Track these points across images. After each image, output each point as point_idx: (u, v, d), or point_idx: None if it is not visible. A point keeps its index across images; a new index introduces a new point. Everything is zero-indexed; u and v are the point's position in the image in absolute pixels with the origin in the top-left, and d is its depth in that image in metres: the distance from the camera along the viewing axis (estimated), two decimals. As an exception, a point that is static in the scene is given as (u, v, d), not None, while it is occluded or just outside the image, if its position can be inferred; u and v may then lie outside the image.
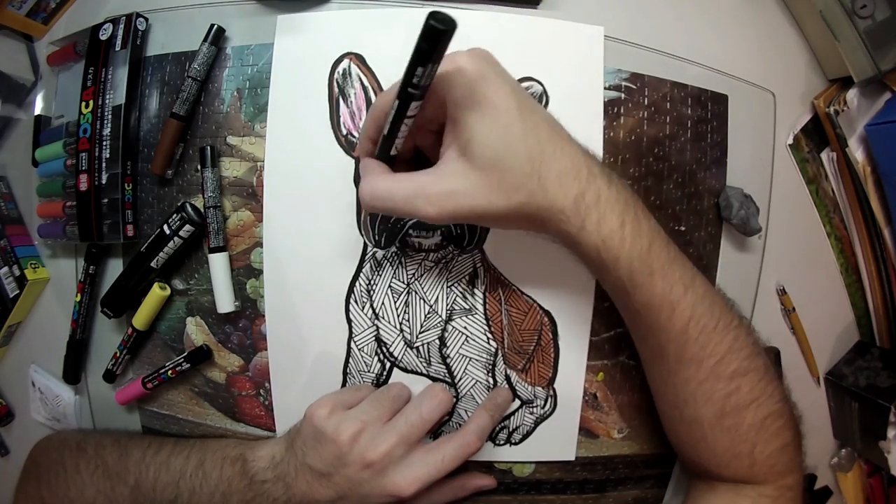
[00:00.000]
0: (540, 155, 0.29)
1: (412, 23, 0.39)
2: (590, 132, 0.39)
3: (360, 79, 0.39)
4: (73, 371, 0.45)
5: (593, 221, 0.30)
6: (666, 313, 0.32)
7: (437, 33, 0.25)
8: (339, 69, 0.39)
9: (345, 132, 0.39)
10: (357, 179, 0.39)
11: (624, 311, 0.36)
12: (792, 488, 0.36)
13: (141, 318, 0.42)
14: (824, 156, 0.45)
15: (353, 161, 0.39)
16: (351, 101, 0.39)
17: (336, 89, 0.39)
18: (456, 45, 0.39)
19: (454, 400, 0.40)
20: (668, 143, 0.41)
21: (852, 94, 0.41)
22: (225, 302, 0.40)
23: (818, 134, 0.44)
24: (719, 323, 0.33)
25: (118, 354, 0.43)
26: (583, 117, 0.39)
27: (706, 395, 0.34)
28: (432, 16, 0.24)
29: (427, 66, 0.26)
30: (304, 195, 0.39)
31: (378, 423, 0.36)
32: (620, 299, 0.35)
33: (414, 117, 0.29)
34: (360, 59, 0.39)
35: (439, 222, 0.31)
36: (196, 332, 0.42)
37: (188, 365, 0.41)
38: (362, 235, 0.39)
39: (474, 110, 0.28)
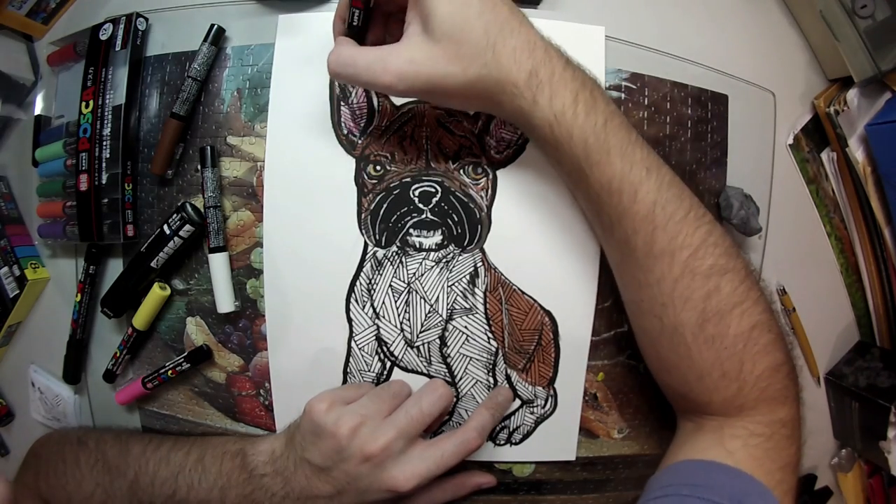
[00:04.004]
0: (497, 31, 0.30)
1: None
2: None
3: None
4: (73, 371, 0.45)
5: (545, 96, 0.30)
6: (628, 195, 0.31)
7: None
8: (340, 69, 0.39)
9: (346, 132, 0.39)
10: (358, 180, 0.39)
11: (585, 198, 0.34)
12: (786, 424, 0.33)
13: (141, 318, 0.42)
14: (824, 156, 0.45)
15: (353, 160, 0.39)
16: (352, 101, 0.39)
17: (337, 89, 0.39)
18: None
19: (455, 395, 0.40)
20: (669, 143, 0.41)
21: (852, 94, 0.41)
22: (225, 302, 0.40)
23: (818, 134, 0.44)
24: (689, 213, 0.32)
25: (118, 354, 0.43)
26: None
27: (684, 294, 0.31)
28: None
29: None
30: (305, 195, 0.39)
31: (378, 417, 0.36)
32: (580, 183, 0.33)
33: None
34: (360, 59, 0.39)
35: (398, 92, 0.31)
36: (196, 332, 0.42)
37: (188, 365, 0.41)
38: (363, 235, 0.39)
39: None
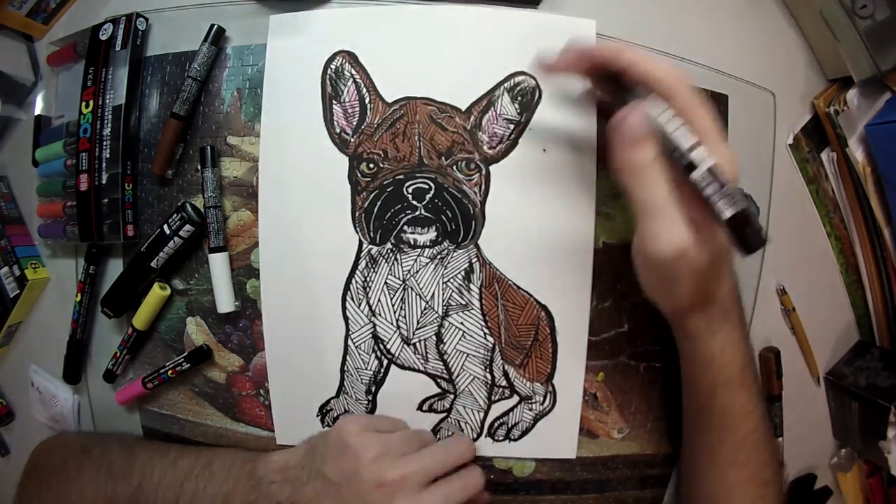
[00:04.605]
0: (730, 264, 0.33)
1: (404, 20, 0.39)
2: (584, 126, 0.39)
3: (353, 77, 0.39)
4: (73, 371, 0.45)
5: (725, 330, 0.34)
6: (738, 420, 0.36)
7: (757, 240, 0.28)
8: (332, 67, 0.39)
9: (338, 130, 0.39)
10: (352, 178, 0.39)
11: (700, 408, 0.38)
12: None
13: (141, 318, 0.42)
14: (824, 156, 0.45)
15: (346, 159, 0.39)
16: (344, 100, 0.39)
17: (329, 87, 0.39)
18: (446, 40, 0.39)
19: (476, 452, 0.41)
20: (668, 143, 0.41)
21: (852, 94, 0.41)
22: (225, 302, 0.40)
23: (818, 134, 0.44)
24: (767, 435, 0.37)
25: (118, 354, 0.43)
26: (576, 112, 0.39)
27: (740, 497, 0.37)
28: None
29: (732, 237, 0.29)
30: (299, 193, 0.39)
31: (401, 453, 0.37)
32: (702, 397, 0.37)
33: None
34: (352, 58, 0.39)
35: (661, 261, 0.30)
36: (196, 332, 0.42)
37: (188, 365, 0.41)
38: (357, 232, 0.39)
39: None
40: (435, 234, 0.39)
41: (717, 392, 0.35)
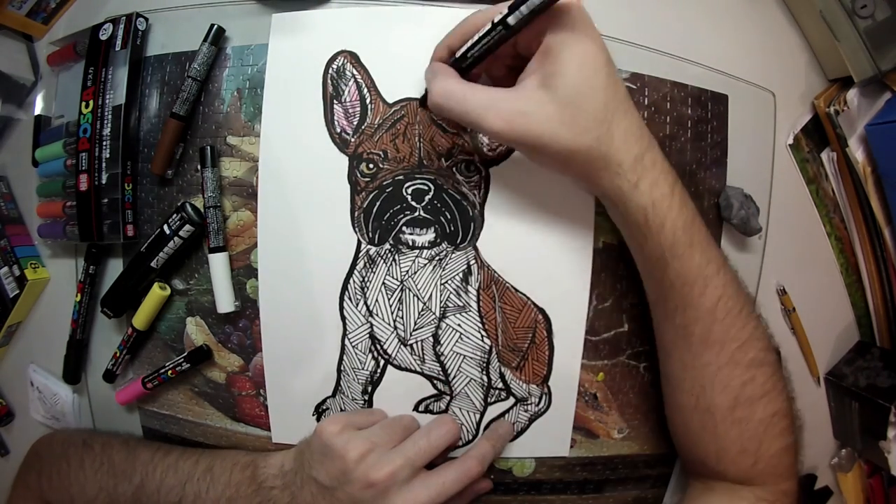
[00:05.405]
0: (614, 108, 0.30)
1: (406, 21, 0.39)
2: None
3: (354, 77, 0.39)
4: (73, 371, 0.45)
5: (647, 182, 0.31)
6: (699, 288, 0.33)
7: None
8: (333, 67, 0.39)
9: (339, 130, 0.39)
10: (352, 178, 0.39)
11: (657, 284, 0.35)
12: (787, 494, 0.37)
13: (141, 318, 0.42)
14: (824, 156, 0.45)
15: (346, 159, 0.39)
16: (345, 99, 0.39)
17: (330, 87, 0.39)
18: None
19: (460, 430, 0.41)
20: (669, 144, 0.41)
21: (852, 94, 0.41)
22: (225, 302, 0.40)
23: (818, 134, 0.44)
24: (744, 308, 0.34)
25: (118, 354, 0.43)
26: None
27: (724, 381, 0.34)
28: None
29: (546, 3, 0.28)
30: (299, 193, 0.39)
31: (386, 446, 0.36)
32: (656, 270, 0.34)
33: (502, 43, 0.31)
34: (354, 57, 0.39)
35: (501, 139, 0.31)
36: (196, 332, 0.42)
37: (188, 365, 0.41)
38: (356, 233, 0.39)
39: (573, 46, 0.29)
40: (433, 235, 0.39)
41: (667, 259, 0.32)
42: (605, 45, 0.31)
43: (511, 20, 0.29)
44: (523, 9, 0.29)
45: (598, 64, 0.30)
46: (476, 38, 0.31)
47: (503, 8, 0.30)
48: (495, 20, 0.30)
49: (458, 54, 0.33)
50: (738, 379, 0.34)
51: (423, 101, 0.37)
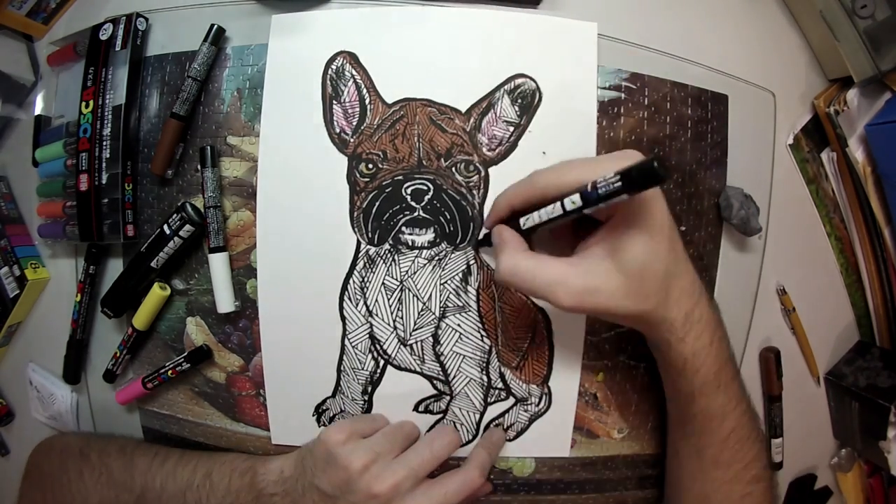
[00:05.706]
0: (673, 271, 0.32)
1: (406, 21, 0.39)
2: (583, 129, 0.39)
3: (353, 77, 0.39)
4: (73, 371, 0.45)
5: (692, 336, 0.33)
6: (717, 421, 0.36)
7: (654, 177, 0.26)
8: (333, 67, 0.39)
9: (338, 130, 0.39)
10: (351, 178, 0.39)
11: (681, 411, 0.38)
12: None
13: (141, 318, 0.42)
14: (824, 156, 0.45)
15: (346, 159, 0.39)
16: (344, 100, 0.39)
17: (329, 87, 0.39)
18: (447, 42, 0.39)
19: (462, 440, 0.41)
20: (669, 144, 0.41)
21: (852, 94, 0.41)
22: (225, 302, 0.40)
23: (818, 134, 0.44)
24: (752, 433, 0.37)
25: (118, 354, 0.43)
26: (576, 114, 0.39)
27: (726, 493, 0.37)
28: (657, 160, 0.26)
29: (628, 195, 0.27)
30: (298, 193, 0.39)
31: (389, 455, 0.37)
32: (682, 401, 0.37)
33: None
34: (353, 58, 0.39)
35: (568, 311, 0.31)
36: (196, 332, 0.42)
37: (188, 365, 0.41)
38: (355, 233, 0.39)
39: (639, 227, 0.30)
40: (433, 235, 0.39)
41: (695, 397, 0.35)
42: (666, 207, 0.31)
43: (587, 211, 0.29)
44: (602, 205, 0.28)
45: (663, 236, 0.31)
46: (546, 218, 0.32)
47: (571, 181, 0.30)
48: (567, 208, 0.30)
49: (523, 225, 0.33)
50: (738, 493, 0.37)
51: (479, 242, 0.39)
